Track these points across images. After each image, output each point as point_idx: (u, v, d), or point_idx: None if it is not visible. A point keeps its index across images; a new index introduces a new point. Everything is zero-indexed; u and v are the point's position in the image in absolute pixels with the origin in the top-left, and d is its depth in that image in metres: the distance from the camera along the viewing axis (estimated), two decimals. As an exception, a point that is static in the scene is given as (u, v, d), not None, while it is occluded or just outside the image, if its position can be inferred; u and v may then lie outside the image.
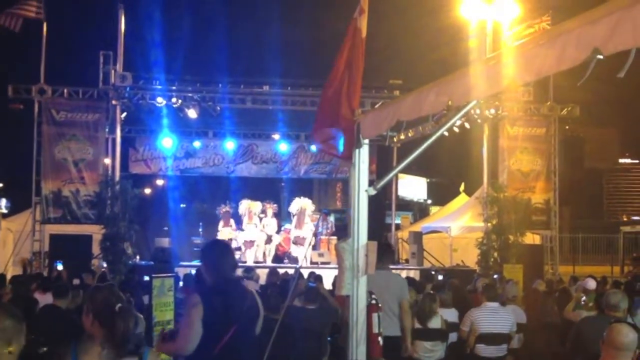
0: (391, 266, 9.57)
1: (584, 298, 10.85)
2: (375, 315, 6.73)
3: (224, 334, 5.20)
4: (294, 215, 22.64)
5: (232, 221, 22.81)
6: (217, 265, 5.53)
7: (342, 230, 19.97)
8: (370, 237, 6.41)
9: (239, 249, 21.64)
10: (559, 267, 22.28)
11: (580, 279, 14.22)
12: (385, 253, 8.79)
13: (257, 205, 22.66)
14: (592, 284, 11.55)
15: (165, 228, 28.23)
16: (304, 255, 20.90)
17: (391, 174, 7.25)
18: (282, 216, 25.71)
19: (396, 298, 8.76)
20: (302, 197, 23.02)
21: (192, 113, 20.64)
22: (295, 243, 22.30)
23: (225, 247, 5.71)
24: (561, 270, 22.58)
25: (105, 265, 18.84)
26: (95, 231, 19.53)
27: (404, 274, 18.80)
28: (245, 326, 5.33)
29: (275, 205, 23.43)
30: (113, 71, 19.63)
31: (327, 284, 13.29)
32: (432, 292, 10.70)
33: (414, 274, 19.62)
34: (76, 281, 12.87)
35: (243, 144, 25.89)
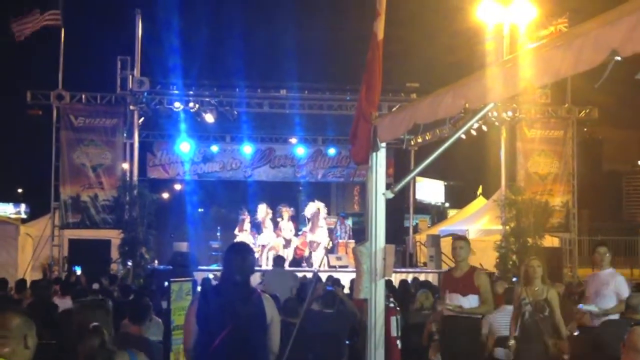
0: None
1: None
2: (393, 319, 6.73)
3: (218, 333, 5.27)
4: (309, 220, 22.60)
5: (248, 226, 22.69)
6: (223, 267, 5.71)
7: (360, 233, 19.94)
8: (388, 240, 6.40)
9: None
10: (578, 269, 22.13)
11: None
12: (278, 260, 14.87)
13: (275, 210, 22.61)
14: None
15: (183, 232, 28.25)
16: (321, 259, 20.87)
17: (408, 177, 7.23)
18: (299, 220, 25.68)
19: (289, 287, 12.25)
20: (316, 201, 22.97)
21: (209, 117, 20.67)
22: (310, 248, 22.29)
23: (233, 251, 5.67)
24: (580, 273, 22.38)
25: (130, 263, 18.90)
26: (114, 236, 19.60)
27: (422, 277, 18.76)
28: (244, 329, 5.34)
29: (291, 208, 23.31)
30: (131, 76, 19.68)
31: (345, 288, 13.30)
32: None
33: (432, 277, 19.55)
34: (95, 285, 12.95)
35: (260, 148, 25.93)
